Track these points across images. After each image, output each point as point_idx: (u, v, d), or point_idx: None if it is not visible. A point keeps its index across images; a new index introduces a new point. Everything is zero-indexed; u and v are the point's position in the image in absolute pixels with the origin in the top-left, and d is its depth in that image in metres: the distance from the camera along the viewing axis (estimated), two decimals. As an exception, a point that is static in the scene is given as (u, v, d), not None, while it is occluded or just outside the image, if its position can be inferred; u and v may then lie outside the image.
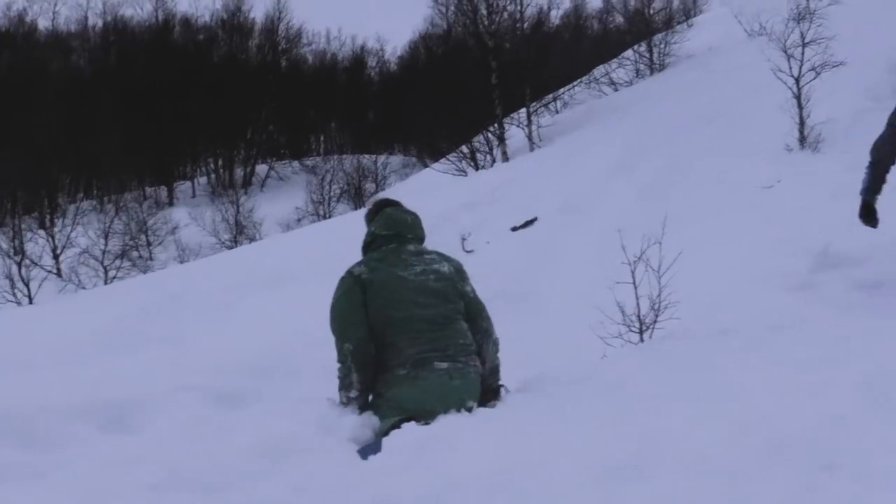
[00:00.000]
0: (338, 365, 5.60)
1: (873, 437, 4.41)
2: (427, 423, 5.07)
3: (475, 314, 5.87)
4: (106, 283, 40.00)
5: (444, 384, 5.41)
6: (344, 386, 5.54)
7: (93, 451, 4.67)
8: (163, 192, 70.73)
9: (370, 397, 5.59)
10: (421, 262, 5.80)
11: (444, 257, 5.96)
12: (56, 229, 47.41)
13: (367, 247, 5.96)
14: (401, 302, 5.57)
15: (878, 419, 4.61)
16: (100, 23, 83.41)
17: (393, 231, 5.93)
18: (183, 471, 4.40)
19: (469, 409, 5.42)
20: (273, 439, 4.79)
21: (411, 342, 5.47)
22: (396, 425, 5.12)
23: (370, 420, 5.44)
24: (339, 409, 5.48)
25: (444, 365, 5.46)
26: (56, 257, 45.48)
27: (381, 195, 7.84)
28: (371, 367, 5.53)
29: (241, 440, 4.74)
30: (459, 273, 5.91)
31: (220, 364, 9.67)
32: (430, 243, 16.71)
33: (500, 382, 5.87)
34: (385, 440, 4.88)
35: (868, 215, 8.15)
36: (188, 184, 73.88)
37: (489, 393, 5.74)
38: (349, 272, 5.71)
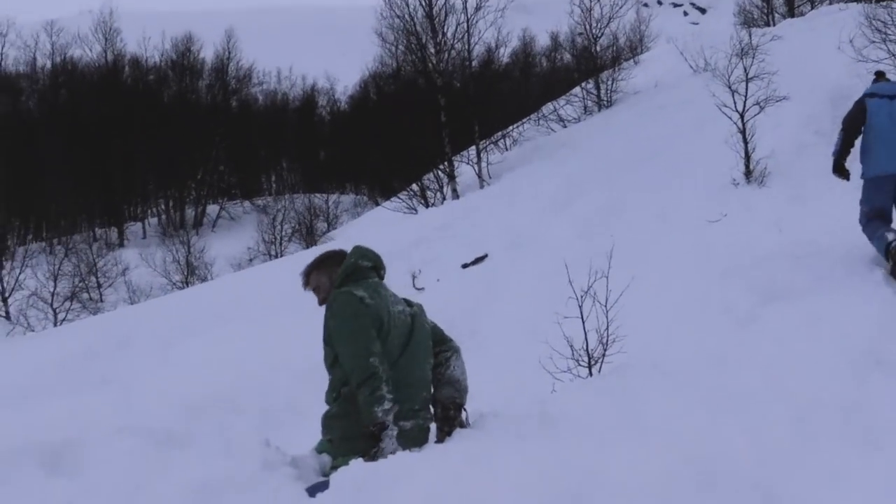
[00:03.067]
0: (363, 379, 5.25)
1: (806, 470, 4.46)
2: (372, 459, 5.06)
3: (441, 338, 5.90)
4: (55, 325, 39.54)
5: (402, 444, 5.27)
6: (376, 400, 5.21)
7: (29, 494, 4.61)
8: (113, 233, 70.17)
9: (327, 437, 5.53)
10: (398, 301, 5.72)
11: (408, 301, 5.87)
12: (4, 272, 46.75)
13: (349, 277, 5.73)
14: (391, 339, 5.46)
15: (811, 453, 4.66)
16: (48, 63, 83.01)
17: (373, 263, 5.84)
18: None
19: None
20: (216, 478, 4.76)
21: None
22: (344, 463, 5.10)
23: (318, 459, 5.42)
24: (277, 449, 5.42)
25: (409, 424, 5.43)
26: (4, 300, 44.95)
27: (329, 236, 7.71)
28: None
29: (182, 479, 4.70)
30: (423, 311, 5.86)
31: (163, 404, 9.57)
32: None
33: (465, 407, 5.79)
34: (332, 477, 4.87)
35: (840, 171, 10.19)
36: (138, 225, 73.40)
37: (456, 409, 5.70)
38: (351, 293, 5.46)
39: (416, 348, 5.60)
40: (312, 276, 5.97)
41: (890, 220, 9.68)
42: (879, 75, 10.72)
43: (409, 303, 5.84)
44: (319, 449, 5.55)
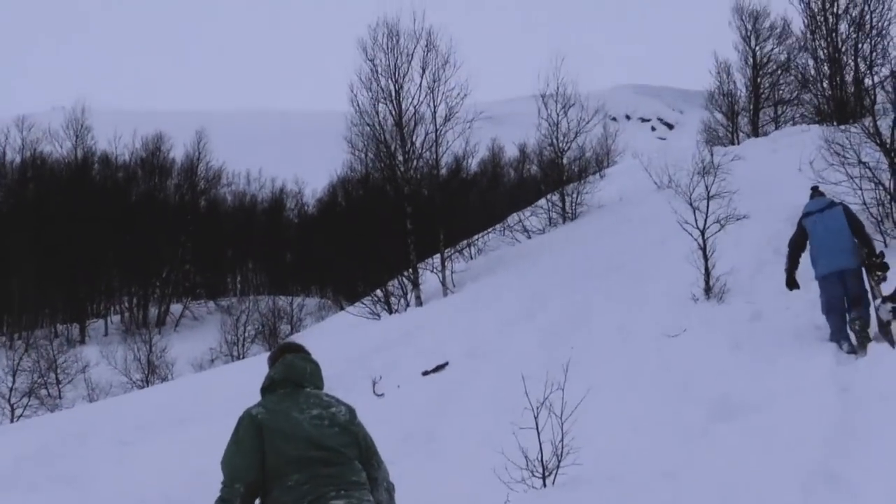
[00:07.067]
0: (219, 496, 5.56)
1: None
2: None
3: (368, 458, 5.94)
4: (12, 421, 39.07)
5: None
6: None
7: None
8: (75, 329, 69.66)
9: None
10: (317, 405, 5.89)
11: (339, 401, 6.04)
12: (-39, 366, 46.22)
13: (265, 389, 6.08)
14: (297, 441, 5.61)
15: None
16: (18, 158, 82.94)
17: (290, 377, 6.08)
18: None
19: None
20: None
21: (307, 479, 5.48)
22: None
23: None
24: None
25: (340, 502, 5.45)
26: (-40, 395, 44.44)
27: (292, 338, 8.08)
28: None
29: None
30: (353, 415, 5.99)
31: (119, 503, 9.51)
32: (342, 386, 16.58)
33: None
34: None
35: (790, 284, 13.28)
36: (101, 322, 72.93)
37: None
38: (247, 412, 5.77)
39: (337, 446, 5.70)
40: None
41: (843, 308, 12.46)
42: (814, 190, 13.92)
43: (339, 401, 6.05)
44: None
